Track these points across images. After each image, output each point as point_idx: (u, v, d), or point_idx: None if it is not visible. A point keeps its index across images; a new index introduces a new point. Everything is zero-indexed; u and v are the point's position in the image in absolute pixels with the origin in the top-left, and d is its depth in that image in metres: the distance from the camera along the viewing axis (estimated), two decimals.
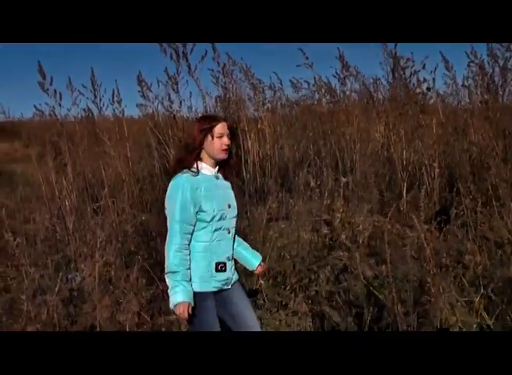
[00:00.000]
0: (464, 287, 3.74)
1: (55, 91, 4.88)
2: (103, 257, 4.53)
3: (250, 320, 2.56)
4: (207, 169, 2.49)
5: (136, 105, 5.70)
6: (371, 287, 3.93)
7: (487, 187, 4.78)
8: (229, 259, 2.52)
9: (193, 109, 6.30)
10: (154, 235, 4.76)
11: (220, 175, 2.58)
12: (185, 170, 2.43)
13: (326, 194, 5.49)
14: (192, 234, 2.44)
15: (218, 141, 2.46)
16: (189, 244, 2.44)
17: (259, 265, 2.73)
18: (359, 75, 6.83)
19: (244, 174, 6.10)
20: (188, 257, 2.41)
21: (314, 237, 4.75)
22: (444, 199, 5.21)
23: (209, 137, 2.46)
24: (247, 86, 6.57)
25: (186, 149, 2.49)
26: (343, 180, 5.67)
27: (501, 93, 5.35)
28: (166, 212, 2.47)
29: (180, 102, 5.90)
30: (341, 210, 4.81)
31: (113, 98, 5.29)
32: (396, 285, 3.94)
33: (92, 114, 5.74)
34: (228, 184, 2.63)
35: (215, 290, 2.49)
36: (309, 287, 4.05)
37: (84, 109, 5.34)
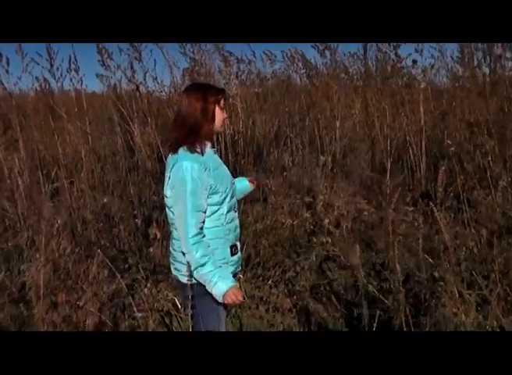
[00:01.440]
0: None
1: (0, 55, 4.29)
2: (60, 246, 4.05)
3: None
4: (208, 145, 2.27)
5: (96, 76, 5.09)
6: (360, 277, 3.59)
7: (478, 165, 4.47)
8: (238, 239, 2.39)
9: (159, 81, 5.76)
10: (116, 221, 4.29)
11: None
12: (185, 149, 2.18)
13: (304, 174, 5.10)
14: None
15: (222, 113, 2.28)
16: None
17: (249, 181, 2.60)
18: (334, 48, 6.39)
19: None
20: (207, 241, 2.16)
21: (294, 222, 4.37)
22: (430, 180, 4.88)
23: (217, 109, 2.24)
24: (216, 58, 6.04)
25: (195, 124, 2.20)
26: (322, 158, 5.28)
27: (493, 66, 4.99)
28: (168, 201, 2.22)
29: (145, 73, 5.36)
30: (324, 192, 4.42)
31: (70, 65, 4.69)
32: (383, 274, 3.63)
33: (49, 85, 5.12)
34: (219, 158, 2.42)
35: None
36: (291, 279, 3.67)
37: (37, 78, 4.71)
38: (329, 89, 5.77)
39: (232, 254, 2.30)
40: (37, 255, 3.95)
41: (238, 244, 2.37)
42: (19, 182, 4.40)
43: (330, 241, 4.05)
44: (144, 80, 5.30)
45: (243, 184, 2.60)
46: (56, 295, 3.73)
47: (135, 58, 4.90)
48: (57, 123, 4.82)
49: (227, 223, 2.24)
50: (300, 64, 6.31)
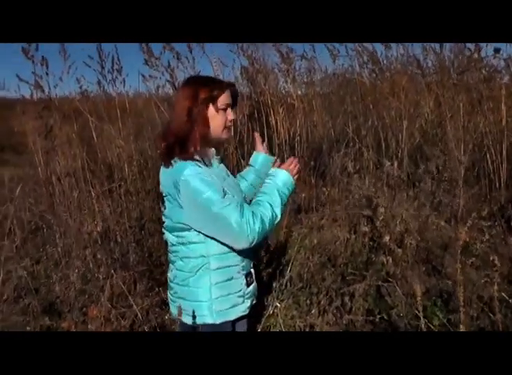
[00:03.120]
0: None
1: (42, 58, 4.10)
2: (94, 256, 3.81)
3: None
4: (211, 154, 1.92)
5: (143, 76, 4.80)
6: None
7: None
8: (253, 264, 2.05)
9: None
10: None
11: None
12: (178, 159, 1.83)
13: (367, 181, 4.58)
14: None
15: (222, 115, 1.88)
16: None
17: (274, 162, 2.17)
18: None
19: None
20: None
21: (352, 237, 3.88)
22: None
23: (212, 110, 1.85)
24: (274, 54, 5.62)
25: (180, 129, 1.85)
26: (388, 164, 4.73)
27: None
28: (197, 217, 1.82)
29: (198, 74, 5.01)
30: (386, 203, 3.89)
31: (113, 65, 4.43)
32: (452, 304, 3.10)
33: (102, 87, 4.88)
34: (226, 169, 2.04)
35: (245, 313, 1.98)
36: (343, 305, 3.19)
37: (78, 79, 4.49)
38: (396, 85, 5.20)
39: (248, 284, 1.96)
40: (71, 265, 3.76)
41: (253, 271, 2.02)
42: (60, 187, 4.22)
43: (391, 260, 3.53)
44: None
45: (262, 157, 2.22)
46: (87, 308, 3.50)
47: (176, 57, 4.56)
48: (101, 125, 4.58)
49: None
50: (365, 58, 5.76)
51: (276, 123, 5.39)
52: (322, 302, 3.07)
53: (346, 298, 3.15)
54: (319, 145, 5.32)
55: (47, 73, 4.11)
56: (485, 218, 3.91)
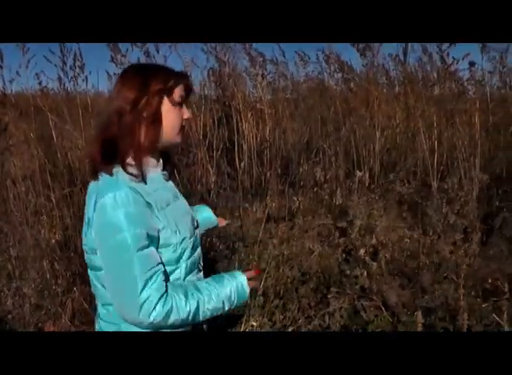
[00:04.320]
0: None
1: None
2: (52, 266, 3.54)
3: None
4: (152, 165, 1.45)
5: (108, 74, 4.53)
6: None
7: None
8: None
9: None
10: None
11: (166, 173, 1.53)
12: (106, 173, 1.36)
13: (338, 191, 4.48)
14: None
15: (178, 113, 1.44)
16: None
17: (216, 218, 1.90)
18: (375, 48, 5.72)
19: (238, 163, 5.03)
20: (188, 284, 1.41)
21: (324, 249, 3.75)
22: (486, 204, 4.19)
23: (167, 104, 1.41)
24: (244, 57, 5.46)
25: (123, 127, 1.36)
26: (359, 173, 4.65)
27: None
28: (94, 260, 1.38)
29: None
30: (360, 215, 3.78)
31: (75, 62, 4.15)
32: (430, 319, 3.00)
33: (64, 84, 4.58)
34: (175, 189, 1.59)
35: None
36: (320, 325, 3.04)
37: (38, 74, 4.20)
38: (369, 95, 5.13)
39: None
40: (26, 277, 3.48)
41: (205, 326, 1.58)
42: (16, 190, 3.91)
43: (366, 274, 3.41)
44: None
45: (206, 215, 1.87)
46: (43, 324, 3.24)
47: (145, 54, 4.34)
48: (62, 125, 4.30)
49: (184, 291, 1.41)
50: (336, 66, 5.68)
51: (245, 128, 5.23)
52: (301, 321, 2.91)
53: (326, 317, 3.01)
54: (288, 153, 5.19)
55: (1, 66, 3.80)
56: (458, 230, 3.86)
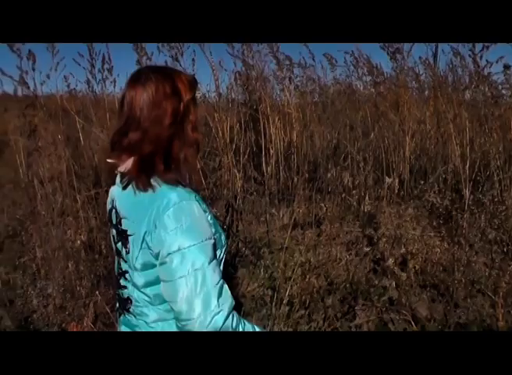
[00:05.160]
0: None
1: (29, 52, 3.80)
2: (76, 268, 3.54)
3: None
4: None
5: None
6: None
7: None
8: None
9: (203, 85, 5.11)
10: None
11: None
12: (163, 181, 1.31)
13: (367, 197, 4.38)
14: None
15: (195, 114, 1.40)
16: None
17: None
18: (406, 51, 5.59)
19: (265, 168, 4.96)
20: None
21: (352, 257, 3.67)
22: None
23: (194, 111, 1.39)
24: (271, 60, 5.38)
25: (167, 137, 1.32)
26: (388, 180, 4.54)
27: None
28: (143, 275, 1.35)
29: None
30: (389, 223, 3.69)
31: (103, 65, 4.15)
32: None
33: (92, 87, 4.58)
34: None
35: None
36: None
37: (66, 77, 4.19)
38: (399, 99, 5.02)
39: None
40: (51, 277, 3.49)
41: None
42: (43, 191, 3.92)
43: (394, 285, 3.33)
44: None
45: None
46: (67, 325, 3.24)
47: (172, 58, 4.29)
48: (89, 127, 4.30)
49: None
50: (364, 69, 5.57)
51: (272, 132, 5.15)
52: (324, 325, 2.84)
53: (353, 329, 2.92)
54: (316, 158, 5.11)
55: (33, 69, 3.80)
56: (491, 242, 3.74)
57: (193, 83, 1.39)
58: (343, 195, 4.55)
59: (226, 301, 1.27)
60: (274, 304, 3.13)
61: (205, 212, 1.33)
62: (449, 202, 4.16)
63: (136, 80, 1.35)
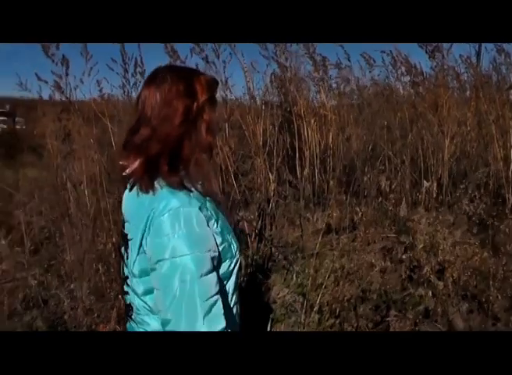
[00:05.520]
0: None
1: (63, 57, 3.84)
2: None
3: None
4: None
5: None
6: None
7: None
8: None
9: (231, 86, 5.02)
10: None
11: None
12: (165, 184, 1.24)
13: (403, 202, 4.25)
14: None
15: (214, 114, 1.35)
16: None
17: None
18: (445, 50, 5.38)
19: (299, 171, 4.88)
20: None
21: (387, 264, 3.55)
22: None
23: (211, 112, 1.33)
24: (307, 62, 5.29)
25: (176, 138, 1.27)
26: (426, 184, 4.39)
27: None
28: (138, 283, 1.30)
29: (225, 79, 4.70)
30: (425, 230, 3.55)
31: (136, 68, 4.15)
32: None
33: (128, 92, 4.58)
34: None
35: None
36: None
37: (98, 81, 4.20)
38: (438, 99, 4.84)
39: None
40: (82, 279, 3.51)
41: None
42: (76, 194, 3.96)
43: (431, 294, 3.19)
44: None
45: None
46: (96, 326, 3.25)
47: (203, 59, 4.26)
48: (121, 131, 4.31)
49: (232, 306, 1.36)
50: (403, 69, 5.41)
51: (308, 134, 5.06)
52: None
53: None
54: (352, 161, 4.99)
55: (67, 74, 3.83)
56: None
57: (211, 84, 1.34)
58: (380, 199, 4.43)
59: (214, 322, 1.19)
60: (304, 311, 3.06)
61: (210, 220, 1.25)
62: (489, 208, 3.98)
63: (151, 79, 1.33)
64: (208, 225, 1.24)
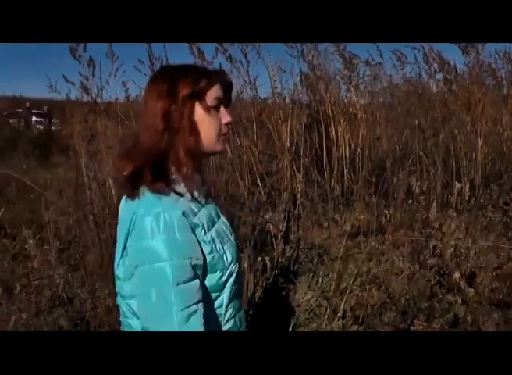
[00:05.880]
0: None
1: (90, 58, 3.87)
2: None
3: None
4: (196, 179, 1.27)
5: None
6: None
7: None
8: None
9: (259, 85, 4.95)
10: None
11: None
12: (148, 190, 1.19)
13: (434, 204, 4.11)
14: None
15: (215, 117, 1.25)
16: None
17: None
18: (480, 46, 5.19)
19: (328, 171, 4.77)
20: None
21: (415, 269, 3.43)
22: None
23: (199, 110, 1.23)
24: (337, 60, 5.18)
25: (155, 145, 1.20)
26: (458, 185, 4.24)
27: None
28: (124, 287, 1.24)
29: (254, 78, 4.66)
30: (455, 233, 3.42)
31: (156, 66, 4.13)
32: None
33: None
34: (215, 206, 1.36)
35: None
36: None
37: (124, 82, 4.22)
38: (471, 97, 4.68)
39: None
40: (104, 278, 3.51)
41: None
42: (101, 193, 3.98)
43: (461, 301, 3.07)
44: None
45: None
46: (118, 326, 3.24)
47: (229, 61, 4.23)
48: None
49: (227, 320, 1.27)
50: (435, 66, 5.25)
51: (337, 134, 4.96)
52: None
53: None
54: (382, 161, 4.87)
55: (93, 75, 3.86)
56: None
57: (199, 77, 1.23)
58: (410, 201, 4.30)
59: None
60: (327, 316, 2.98)
61: (197, 228, 1.18)
62: None
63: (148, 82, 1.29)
64: (194, 232, 1.17)
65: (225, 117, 1.26)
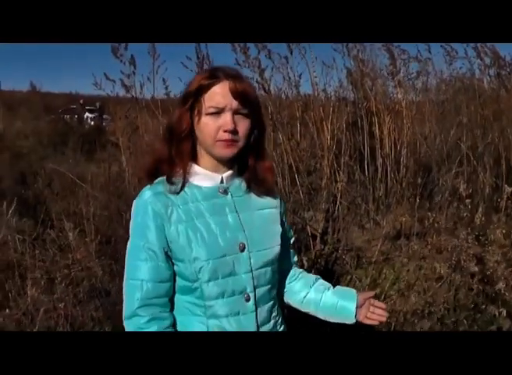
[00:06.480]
0: None
1: (131, 56, 3.89)
2: None
3: None
4: (203, 175, 1.37)
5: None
6: None
7: None
8: None
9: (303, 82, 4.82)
10: None
11: (232, 186, 1.40)
12: (159, 180, 1.37)
13: (481, 208, 3.92)
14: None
15: (211, 122, 1.30)
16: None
17: (354, 316, 1.49)
18: None
19: (371, 171, 4.62)
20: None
21: (458, 276, 3.27)
22: None
23: (195, 117, 1.33)
24: (384, 55, 5.00)
25: (167, 140, 1.39)
26: (508, 189, 4.03)
27: None
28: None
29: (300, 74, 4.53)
30: (502, 238, 3.25)
31: (202, 63, 4.08)
32: None
33: None
34: (261, 203, 1.44)
35: None
36: None
37: (164, 79, 4.20)
38: None
39: None
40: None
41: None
42: (140, 188, 4.01)
43: (505, 313, 2.91)
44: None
45: (344, 305, 1.51)
46: None
47: (268, 57, 4.15)
48: None
49: (211, 315, 1.32)
50: (487, 61, 4.99)
51: (382, 132, 4.79)
52: None
53: None
54: (428, 161, 4.68)
55: (134, 73, 3.90)
56: None
57: (190, 89, 1.34)
58: (456, 204, 4.11)
59: (130, 303, 1.33)
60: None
61: (163, 219, 1.31)
62: None
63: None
64: (157, 221, 1.30)
65: (225, 125, 1.29)
